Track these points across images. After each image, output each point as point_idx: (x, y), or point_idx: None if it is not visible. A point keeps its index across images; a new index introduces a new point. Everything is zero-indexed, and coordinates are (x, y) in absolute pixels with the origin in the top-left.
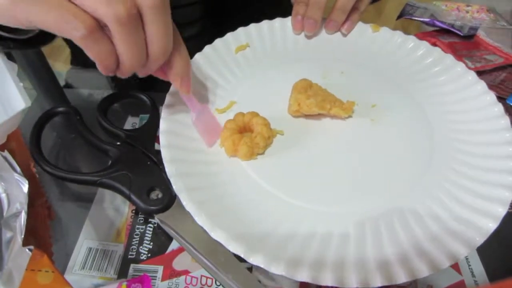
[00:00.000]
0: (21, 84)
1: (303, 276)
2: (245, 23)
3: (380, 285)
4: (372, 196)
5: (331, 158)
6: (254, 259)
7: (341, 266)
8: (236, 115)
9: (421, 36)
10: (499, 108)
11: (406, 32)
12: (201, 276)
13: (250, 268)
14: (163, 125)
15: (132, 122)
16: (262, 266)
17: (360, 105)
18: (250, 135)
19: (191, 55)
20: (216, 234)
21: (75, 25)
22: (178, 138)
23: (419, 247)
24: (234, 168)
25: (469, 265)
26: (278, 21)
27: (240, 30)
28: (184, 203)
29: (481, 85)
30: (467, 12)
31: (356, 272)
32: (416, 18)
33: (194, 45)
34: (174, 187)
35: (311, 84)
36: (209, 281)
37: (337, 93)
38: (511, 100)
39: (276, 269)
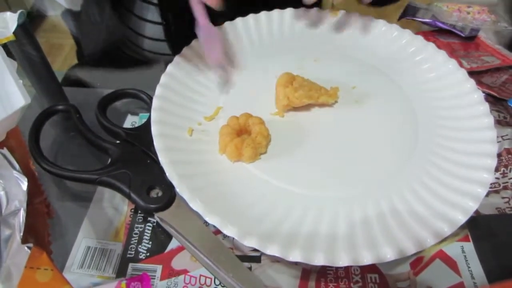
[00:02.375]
0: (21, 81)
1: (296, 256)
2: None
3: (370, 262)
4: (359, 179)
5: (322, 145)
6: (248, 241)
7: (332, 245)
8: (230, 119)
9: (422, 35)
10: (478, 95)
11: (414, 31)
12: (200, 275)
13: (250, 268)
14: (154, 115)
15: (131, 121)
16: (256, 247)
17: (341, 89)
18: (249, 136)
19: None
20: (211, 219)
21: None
22: (169, 127)
23: (405, 227)
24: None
25: (469, 267)
26: (239, 21)
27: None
28: (178, 189)
29: (462, 73)
30: (468, 13)
31: (347, 251)
32: (418, 19)
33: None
34: (167, 174)
35: (294, 76)
36: (208, 281)
37: (316, 80)
38: None
39: (270, 251)
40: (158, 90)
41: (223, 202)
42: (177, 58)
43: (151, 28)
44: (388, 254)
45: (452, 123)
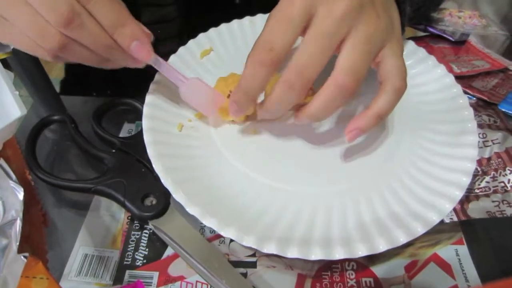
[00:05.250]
0: (17, 92)
1: (271, 248)
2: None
3: (365, 254)
4: (341, 177)
5: (306, 142)
6: (225, 232)
7: (308, 240)
8: (218, 81)
9: (412, 40)
10: (464, 100)
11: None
12: (196, 281)
13: (245, 273)
14: (146, 110)
15: (128, 129)
16: (233, 238)
17: None
18: None
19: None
20: (192, 209)
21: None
22: (159, 122)
23: (380, 224)
24: (212, 152)
25: (463, 270)
26: (235, 22)
27: (201, 35)
28: (163, 181)
29: (450, 78)
30: (459, 17)
31: (321, 245)
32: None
33: (170, 47)
34: (154, 167)
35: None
36: (204, 287)
37: None
38: (502, 106)
39: (247, 242)
40: (152, 87)
41: (206, 195)
42: (172, 58)
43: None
44: (381, 246)
45: (436, 126)
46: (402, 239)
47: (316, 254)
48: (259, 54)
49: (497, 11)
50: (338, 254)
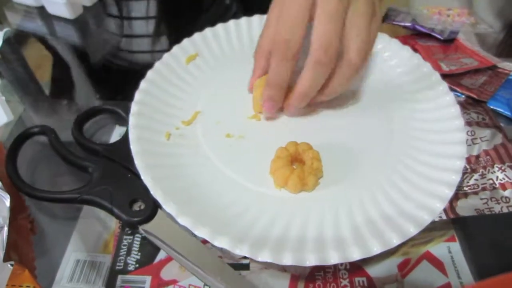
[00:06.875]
0: (3, 98)
1: (265, 256)
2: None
3: (359, 258)
4: (332, 180)
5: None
6: (218, 242)
7: (302, 246)
8: (280, 151)
9: (402, 39)
10: (450, 97)
11: (395, 35)
12: (189, 285)
13: (239, 274)
14: (132, 119)
15: (119, 132)
16: (227, 248)
17: None
18: (305, 164)
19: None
20: (183, 220)
21: None
22: (146, 131)
23: (374, 226)
24: (202, 160)
25: (455, 267)
26: (220, 27)
27: (186, 41)
28: (152, 192)
29: (435, 76)
30: (448, 16)
31: (315, 251)
32: (398, 23)
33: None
34: (142, 178)
35: None
36: None
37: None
38: (491, 103)
39: (240, 251)
40: (137, 95)
41: (197, 205)
42: (157, 64)
43: (142, 40)
44: (375, 249)
45: (425, 125)
46: (395, 241)
47: (311, 261)
48: (280, 52)
49: (491, 5)
50: (333, 259)
